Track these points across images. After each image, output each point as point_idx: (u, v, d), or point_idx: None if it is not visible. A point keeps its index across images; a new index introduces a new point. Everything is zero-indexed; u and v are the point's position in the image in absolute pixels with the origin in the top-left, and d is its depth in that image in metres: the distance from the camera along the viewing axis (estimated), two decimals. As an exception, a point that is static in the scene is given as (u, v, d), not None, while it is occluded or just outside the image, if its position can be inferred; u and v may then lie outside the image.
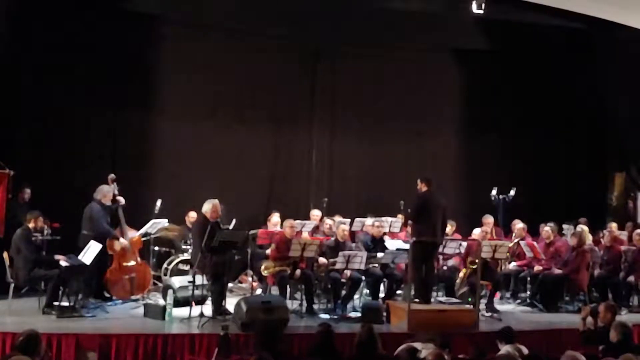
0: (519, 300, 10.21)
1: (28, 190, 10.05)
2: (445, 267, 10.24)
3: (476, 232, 10.36)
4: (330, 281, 8.99)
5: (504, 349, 6.24)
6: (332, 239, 9.64)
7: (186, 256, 10.00)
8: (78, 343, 7.03)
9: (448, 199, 9.45)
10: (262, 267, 9.13)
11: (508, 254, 10.05)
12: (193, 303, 8.25)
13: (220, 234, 8.25)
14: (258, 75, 12.49)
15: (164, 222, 10.08)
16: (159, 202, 10.23)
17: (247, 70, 12.41)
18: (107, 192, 9.11)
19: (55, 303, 8.17)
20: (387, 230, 10.47)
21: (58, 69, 10.87)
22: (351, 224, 10.71)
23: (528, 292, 10.17)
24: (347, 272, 8.98)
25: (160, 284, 9.86)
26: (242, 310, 7.73)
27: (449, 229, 10.14)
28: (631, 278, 9.86)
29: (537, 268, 10.06)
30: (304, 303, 8.88)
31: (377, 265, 9.44)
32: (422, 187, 8.91)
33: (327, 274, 9.03)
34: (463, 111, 13.87)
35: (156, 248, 10.43)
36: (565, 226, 11.61)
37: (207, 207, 8.59)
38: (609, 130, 13.97)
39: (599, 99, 13.76)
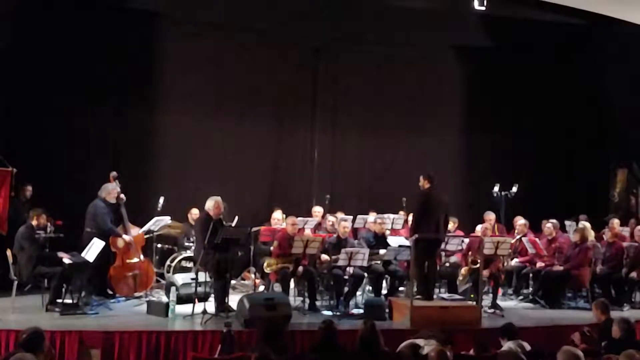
0: (521, 297, 10.20)
1: (29, 188, 10.08)
2: (447, 264, 10.24)
3: (478, 229, 10.37)
4: (333, 278, 8.99)
5: (506, 345, 6.26)
6: (335, 235, 9.64)
7: (189, 253, 10.02)
8: (81, 340, 7.05)
9: (450, 196, 9.44)
10: (265, 264, 9.13)
11: (510, 250, 10.06)
12: (196, 300, 8.27)
13: (223, 231, 8.27)
14: (260, 73, 12.52)
15: (166, 220, 10.10)
16: (161, 200, 10.25)
17: (249, 68, 12.44)
18: (111, 190, 9.13)
19: (59, 300, 8.21)
20: (389, 227, 10.48)
21: (60, 67, 10.88)
22: (353, 220, 10.72)
23: (530, 289, 10.18)
24: (350, 269, 8.99)
25: (163, 281, 9.89)
26: (244, 307, 7.75)
27: (451, 225, 10.13)
28: (633, 274, 9.84)
29: (539, 264, 10.08)
30: (307, 300, 8.91)
31: (379, 262, 9.45)
32: (424, 184, 8.90)
33: (330, 270, 9.04)
34: (464, 108, 13.87)
35: (159, 245, 10.47)
36: (567, 222, 11.61)
37: (210, 204, 8.61)
38: (610, 126, 13.96)
39: (601, 95, 13.75)
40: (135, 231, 9.36)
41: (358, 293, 9.41)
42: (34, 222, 8.51)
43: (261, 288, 9.62)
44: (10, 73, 10.39)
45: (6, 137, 10.02)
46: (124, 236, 9.08)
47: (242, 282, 10.62)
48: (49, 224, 9.48)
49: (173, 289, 8.51)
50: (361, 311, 8.74)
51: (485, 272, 9.28)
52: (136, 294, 9.14)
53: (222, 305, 8.21)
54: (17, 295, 8.23)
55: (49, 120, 10.93)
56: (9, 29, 10.41)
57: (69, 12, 10.99)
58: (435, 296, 9.14)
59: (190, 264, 9.85)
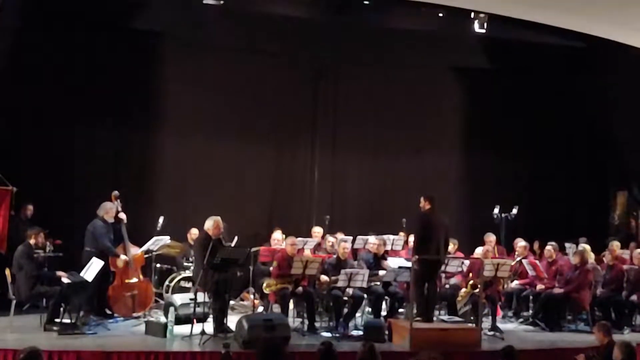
0: (521, 319, 10.16)
1: (30, 207, 10.10)
2: (447, 286, 10.21)
3: (478, 251, 10.34)
4: (332, 299, 8.95)
5: (507, 367, 6.22)
6: (334, 256, 9.62)
7: (188, 273, 10.00)
8: (79, 360, 7.02)
9: (450, 217, 9.43)
10: (264, 285, 9.10)
11: (510, 272, 10.03)
12: (194, 320, 8.23)
13: (222, 251, 8.24)
14: (260, 94, 12.59)
15: (166, 239, 10.08)
16: (161, 219, 10.26)
17: (248, 89, 12.51)
18: (109, 209, 9.13)
19: (57, 320, 8.17)
20: (389, 247, 10.46)
21: (61, 87, 10.95)
22: (353, 241, 10.71)
23: (530, 311, 10.13)
24: (349, 290, 8.95)
25: (161, 301, 9.85)
26: (243, 328, 7.71)
27: (451, 247, 10.11)
28: (634, 297, 9.81)
29: (540, 287, 10.04)
30: (306, 321, 8.86)
31: (379, 283, 9.42)
32: (425, 205, 8.90)
33: (329, 291, 9.00)
34: (464, 129, 13.92)
35: (158, 265, 10.44)
36: (567, 245, 11.59)
37: (209, 224, 8.59)
38: (610, 148, 13.98)
39: (600, 117, 13.80)
40: (134, 250, 9.34)
41: (357, 314, 9.36)
42: (32, 241, 8.48)
43: (260, 309, 9.58)
44: (12, 92, 10.41)
45: (7, 156, 10.02)
46: (122, 256, 9.06)
47: (241, 302, 10.57)
48: (47, 243, 9.47)
49: (172, 309, 8.47)
50: (360, 333, 8.69)
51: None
52: (135, 314, 9.09)
53: (220, 325, 8.17)
54: (16, 315, 8.18)
55: (50, 139, 10.98)
56: (10, 48, 10.45)
57: (71, 31, 11.07)
58: (435, 318, 9.10)
59: (189, 284, 9.82)
